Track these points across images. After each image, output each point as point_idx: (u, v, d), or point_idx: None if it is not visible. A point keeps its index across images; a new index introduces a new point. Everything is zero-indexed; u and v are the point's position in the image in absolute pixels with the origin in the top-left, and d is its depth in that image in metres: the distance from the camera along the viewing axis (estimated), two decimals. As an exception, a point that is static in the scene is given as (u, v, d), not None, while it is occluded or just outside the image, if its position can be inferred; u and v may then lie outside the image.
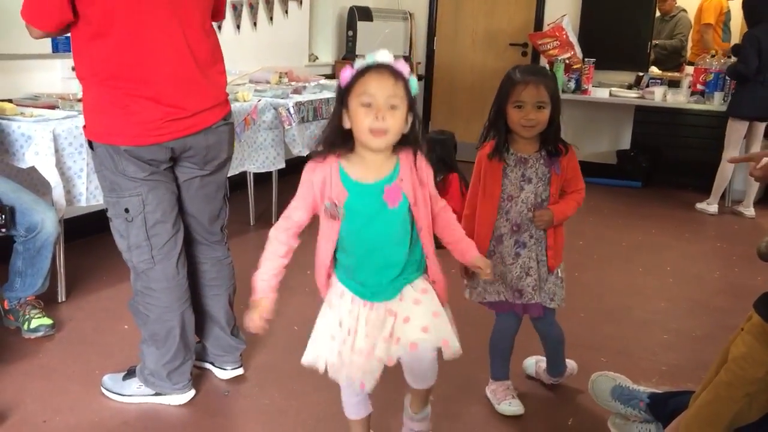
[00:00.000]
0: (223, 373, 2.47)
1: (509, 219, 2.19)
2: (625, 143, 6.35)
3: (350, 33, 6.59)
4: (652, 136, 6.24)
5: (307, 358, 1.75)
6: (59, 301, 3.06)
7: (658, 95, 5.61)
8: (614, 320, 3.19)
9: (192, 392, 2.34)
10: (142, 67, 2.03)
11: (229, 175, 2.58)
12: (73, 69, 3.77)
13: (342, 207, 1.65)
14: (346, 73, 1.60)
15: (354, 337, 1.70)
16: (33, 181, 3.11)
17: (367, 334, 1.70)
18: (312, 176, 1.67)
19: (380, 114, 1.55)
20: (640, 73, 6.06)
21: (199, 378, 2.45)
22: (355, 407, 1.91)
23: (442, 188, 4.15)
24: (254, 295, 1.73)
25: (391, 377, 1.80)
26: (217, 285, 2.41)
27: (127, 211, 2.13)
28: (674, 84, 5.85)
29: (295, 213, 1.72)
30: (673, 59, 6.33)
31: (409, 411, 2.00)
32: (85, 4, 1.98)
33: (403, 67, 1.60)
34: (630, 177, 6.06)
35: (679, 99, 5.61)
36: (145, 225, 2.14)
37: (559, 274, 2.25)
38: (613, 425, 2.21)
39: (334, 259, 1.75)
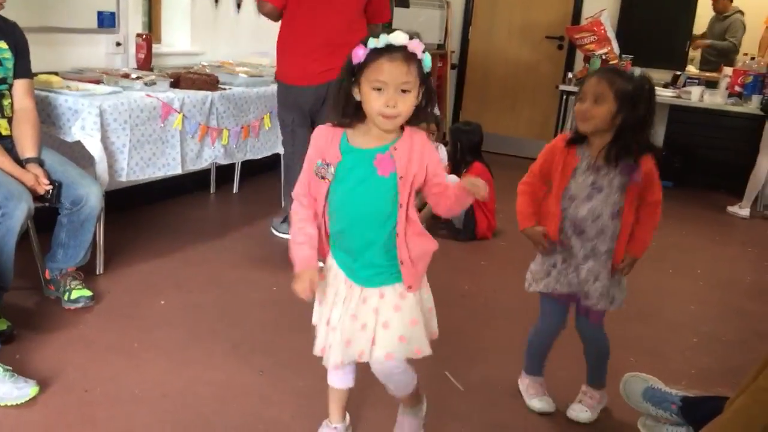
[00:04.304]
0: None
1: (567, 217, 2.13)
2: (658, 142, 6.28)
3: (386, 18, 6.59)
4: (686, 136, 6.20)
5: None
6: (97, 273, 3.11)
7: (695, 95, 5.55)
8: (644, 321, 3.20)
9: None
10: (307, 36, 3.39)
11: (261, 156, 4.07)
12: (118, 44, 3.88)
13: (333, 168, 1.68)
14: (360, 52, 1.60)
15: (330, 310, 1.77)
16: (75, 155, 3.16)
17: (341, 313, 1.75)
18: (318, 139, 1.72)
19: (392, 101, 1.58)
20: (678, 72, 6.01)
21: (233, 359, 2.51)
22: (336, 376, 1.94)
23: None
24: (296, 268, 1.74)
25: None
26: None
27: (283, 121, 3.66)
28: (712, 84, 5.79)
29: (306, 179, 1.76)
30: (721, 61, 6.20)
31: (401, 406, 2.03)
32: None
33: (417, 47, 1.59)
34: (661, 177, 5.94)
35: (716, 100, 5.55)
36: (291, 131, 3.65)
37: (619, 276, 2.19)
38: (643, 426, 2.23)
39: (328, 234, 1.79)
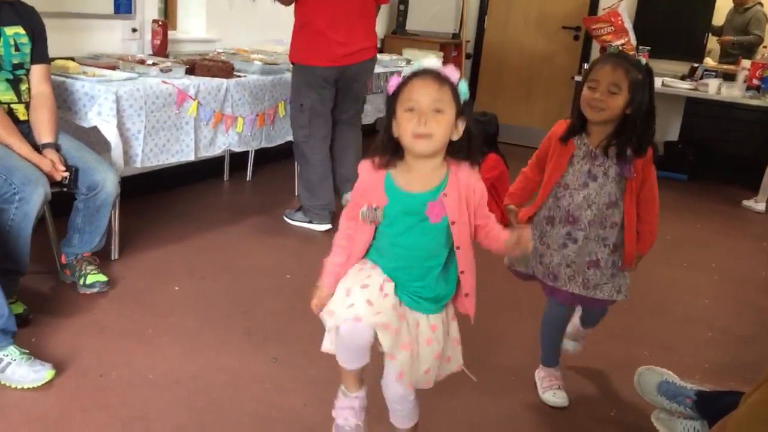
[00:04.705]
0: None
1: (560, 206, 2.14)
2: (673, 135, 6.25)
3: (402, 7, 6.56)
4: (702, 129, 6.15)
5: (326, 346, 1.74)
6: (112, 258, 3.13)
7: (713, 88, 5.50)
8: (658, 314, 3.18)
9: (330, 225, 3.68)
10: (325, 20, 3.55)
11: (275, 144, 4.05)
12: (134, 30, 3.87)
13: (382, 210, 1.62)
14: (393, 81, 1.60)
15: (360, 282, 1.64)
16: (90, 140, 3.17)
17: (382, 288, 1.63)
18: (366, 175, 1.67)
19: (423, 118, 1.53)
20: (695, 64, 5.95)
21: (246, 346, 2.51)
22: (350, 357, 1.76)
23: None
24: (320, 280, 1.76)
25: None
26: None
27: (301, 105, 3.69)
28: (729, 77, 5.73)
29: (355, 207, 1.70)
30: (745, 55, 6.11)
31: None
32: None
33: (451, 73, 1.58)
34: (676, 169, 5.97)
35: (733, 93, 5.49)
36: (309, 114, 3.71)
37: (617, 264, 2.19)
38: (656, 420, 2.22)
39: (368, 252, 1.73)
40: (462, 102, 1.58)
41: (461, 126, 1.60)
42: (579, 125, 2.10)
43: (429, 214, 1.61)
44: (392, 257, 1.67)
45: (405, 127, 1.56)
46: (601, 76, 1.99)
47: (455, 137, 1.60)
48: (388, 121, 1.62)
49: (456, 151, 1.62)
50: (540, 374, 2.40)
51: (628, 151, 2.04)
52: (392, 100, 1.60)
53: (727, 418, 1.86)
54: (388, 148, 1.63)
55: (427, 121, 1.54)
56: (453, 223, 1.62)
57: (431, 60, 1.59)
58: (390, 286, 1.65)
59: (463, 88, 1.58)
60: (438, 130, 1.55)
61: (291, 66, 3.83)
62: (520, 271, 2.29)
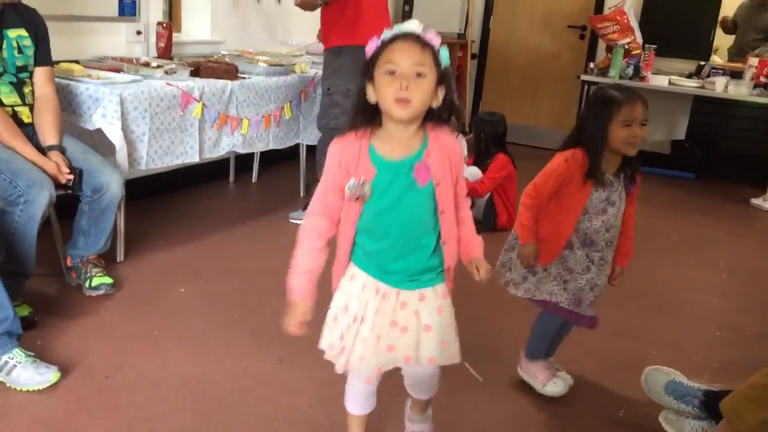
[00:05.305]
0: None
1: (578, 230, 2.17)
2: (681, 133, 6.22)
3: (406, 7, 6.57)
4: (709, 128, 6.12)
5: (323, 344, 1.73)
6: (117, 261, 3.13)
7: (720, 86, 5.46)
8: (666, 313, 3.16)
9: None
10: (373, 8, 3.70)
11: (285, 146, 3.99)
12: (138, 33, 3.88)
13: (369, 184, 1.56)
14: (372, 44, 1.54)
15: (360, 324, 1.65)
16: (95, 143, 3.17)
17: (374, 324, 1.63)
18: (339, 155, 1.58)
19: (404, 83, 1.46)
20: (702, 63, 5.92)
21: (252, 347, 2.51)
22: (359, 401, 1.85)
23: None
24: (289, 296, 1.65)
25: (392, 379, 1.82)
26: None
27: (348, 90, 3.60)
28: (736, 75, 5.69)
29: (327, 198, 1.64)
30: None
31: (409, 413, 2.00)
32: None
33: (433, 38, 1.52)
34: (683, 168, 5.95)
35: (740, 91, 5.45)
36: (352, 100, 3.46)
37: None
38: (664, 420, 2.20)
39: (354, 244, 1.67)
40: (443, 68, 1.53)
41: (441, 94, 1.55)
42: (599, 162, 2.11)
43: (416, 176, 1.56)
44: (383, 235, 1.61)
45: (386, 92, 1.50)
46: (636, 115, 2.05)
47: (435, 104, 1.55)
48: (363, 86, 1.56)
49: (435, 118, 1.57)
50: (528, 369, 2.38)
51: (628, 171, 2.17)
52: (370, 64, 1.54)
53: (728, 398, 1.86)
54: (366, 116, 1.57)
55: (409, 86, 1.48)
56: (438, 184, 1.58)
57: (412, 24, 1.53)
58: (375, 302, 1.64)
59: (444, 54, 1.53)
60: (419, 94, 1.49)
61: (298, 61, 3.83)
62: (542, 300, 2.26)
